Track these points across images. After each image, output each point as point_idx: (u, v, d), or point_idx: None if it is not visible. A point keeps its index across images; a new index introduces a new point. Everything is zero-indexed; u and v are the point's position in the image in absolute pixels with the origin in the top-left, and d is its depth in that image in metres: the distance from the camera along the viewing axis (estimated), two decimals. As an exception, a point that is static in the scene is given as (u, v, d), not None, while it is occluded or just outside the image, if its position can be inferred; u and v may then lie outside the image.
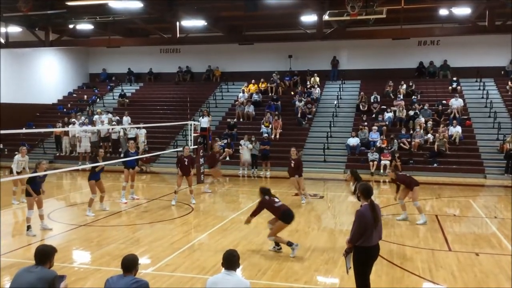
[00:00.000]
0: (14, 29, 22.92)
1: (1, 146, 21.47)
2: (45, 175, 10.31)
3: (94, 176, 11.97)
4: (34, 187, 9.94)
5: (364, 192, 5.79)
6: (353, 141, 20.78)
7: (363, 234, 5.61)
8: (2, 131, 9.49)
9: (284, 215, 8.57)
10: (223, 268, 4.72)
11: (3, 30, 22.53)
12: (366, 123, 21.73)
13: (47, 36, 22.83)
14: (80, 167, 17.49)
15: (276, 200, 8.85)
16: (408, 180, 11.14)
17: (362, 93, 24.43)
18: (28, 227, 9.90)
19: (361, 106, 23.49)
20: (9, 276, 7.11)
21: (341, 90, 25.92)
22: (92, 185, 11.90)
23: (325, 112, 24.19)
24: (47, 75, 28.11)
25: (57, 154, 23.00)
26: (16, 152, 13.41)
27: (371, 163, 19.49)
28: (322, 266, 7.99)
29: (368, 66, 26.47)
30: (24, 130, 21.07)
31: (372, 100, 23.74)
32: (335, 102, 24.64)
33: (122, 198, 13.62)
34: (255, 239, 9.66)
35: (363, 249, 5.69)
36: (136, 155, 14.35)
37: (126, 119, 23.58)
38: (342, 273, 7.49)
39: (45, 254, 4.82)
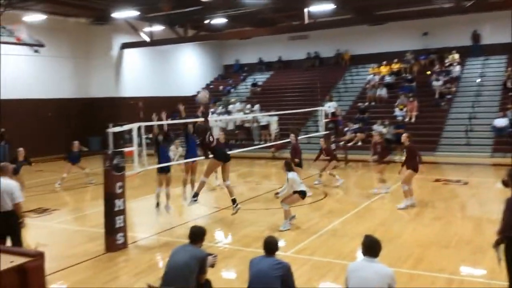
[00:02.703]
0: (157, 28, 25.01)
1: (151, 136, 23.61)
2: None
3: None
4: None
5: (515, 177, 5.27)
6: (501, 122, 18.87)
7: (514, 224, 5.13)
8: (150, 123, 10.49)
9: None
10: (363, 255, 4.65)
11: (147, 29, 24.72)
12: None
13: (185, 32, 24.49)
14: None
15: None
16: None
17: (509, 68, 22.04)
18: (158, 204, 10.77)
19: (509, 83, 21.22)
20: (162, 252, 7.88)
21: (485, 66, 23.68)
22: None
23: (467, 92, 22.34)
24: (187, 69, 30.25)
25: (198, 142, 24.68)
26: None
27: (522, 145, 17.58)
28: (469, 256, 7.49)
29: (516, 38, 23.74)
30: (170, 121, 22.93)
31: (522, 76, 21.32)
32: (478, 80, 22.61)
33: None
34: (393, 226, 9.40)
35: (514, 240, 5.20)
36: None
37: (256, 107, 24.39)
38: (493, 264, 6.94)
39: (198, 235, 5.29)
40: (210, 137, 9.26)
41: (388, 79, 24.37)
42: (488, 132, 19.13)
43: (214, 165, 9.60)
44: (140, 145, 9.54)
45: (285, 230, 9.13)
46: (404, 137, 11.18)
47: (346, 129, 20.62)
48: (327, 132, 17.02)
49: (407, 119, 20.89)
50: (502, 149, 18.18)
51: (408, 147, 11.03)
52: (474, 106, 20.83)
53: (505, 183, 5.39)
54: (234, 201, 9.55)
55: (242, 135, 23.42)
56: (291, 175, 9.26)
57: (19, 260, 5.19)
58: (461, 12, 18.98)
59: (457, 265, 7.15)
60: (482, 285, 6.33)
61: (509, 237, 5.25)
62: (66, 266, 7.36)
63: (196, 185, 10.41)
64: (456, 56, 24.25)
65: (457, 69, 23.60)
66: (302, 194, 9.31)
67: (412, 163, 10.86)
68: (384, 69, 25.18)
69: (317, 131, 17.80)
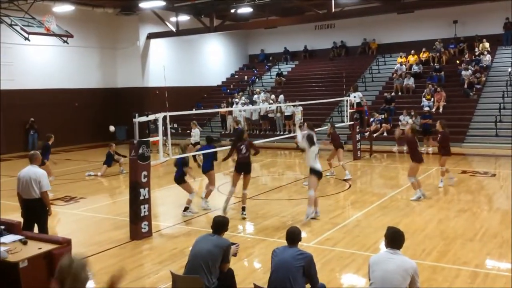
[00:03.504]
0: (183, 18, 25.12)
1: (176, 126, 23.86)
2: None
3: None
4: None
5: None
6: (532, 112, 18.37)
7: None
8: (175, 113, 10.58)
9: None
10: (386, 247, 4.62)
11: (174, 19, 24.84)
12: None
13: (211, 22, 24.52)
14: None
15: None
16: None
17: (543, 57, 21.38)
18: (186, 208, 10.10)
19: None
20: (185, 241, 7.99)
21: (516, 55, 23.01)
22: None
23: (497, 81, 21.75)
24: (212, 59, 30.33)
25: (223, 132, 24.81)
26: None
27: (555, 137, 17.07)
28: (495, 250, 7.36)
29: (551, 25, 22.96)
30: (194, 111, 23.15)
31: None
32: (509, 70, 21.96)
33: None
34: (417, 218, 9.28)
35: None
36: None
37: (280, 97, 24.32)
38: (520, 259, 6.82)
39: (221, 225, 5.36)
40: (243, 146, 9.68)
41: (415, 68, 23.93)
42: (520, 123, 18.62)
43: (235, 177, 9.91)
44: (165, 134, 9.65)
45: (308, 221, 9.10)
46: (438, 123, 11.95)
47: (371, 119, 20.38)
48: (352, 122, 16.87)
49: (433, 109, 20.49)
50: (534, 141, 17.70)
51: (442, 134, 11.73)
52: (504, 96, 20.28)
53: None
54: (244, 208, 9.81)
55: (267, 125, 23.41)
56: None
57: (46, 247, 5.37)
58: (492, 0, 18.42)
59: (483, 259, 7.03)
60: (507, 279, 6.21)
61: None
62: (92, 253, 7.54)
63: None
64: (487, 44, 23.61)
65: (487, 58, 22.99)
66: (316, 174, 9.12)
67: (445, 150, 11.62)
68: (412, 59, 24.71)
69: (342, 121, 17.65)
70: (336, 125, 16.51)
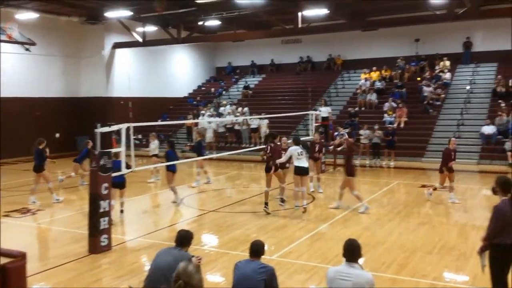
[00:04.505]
0: (150, 28, 24.94)
1: (140, 137, 23.55)
2: None
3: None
4: None
5: (504, 185, 5.30)
6: (489, 129, 19.07)
7: (501, 232, 5.17)
8: (139, 124, 10.45)
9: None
10: (344, 259, 4.66)
11: (140, 29, 24.66)
12: (504, 106, 19.80)
13: (179, 33, 24.46)
14: (208, 156, 18.54)
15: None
16: None
17: (499, 76, 22.29)
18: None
19: (498, 90, 21.44)
20: (147, 255, 7.85)
21: (475, 73, 23.91)
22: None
23: (456, 98, 22.53)
24: (179, 70, 30.21)
25: (189, 144, 24.60)
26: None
27: (509, 153, 17.72)
28: (452, 262, 7.55)
29: (506, 46, 23.91)
30: (159, 123, 22.94)
31: (511, 84, 21.53)
32: (468, 87, 22.81)
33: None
34: (379, 231, 9.43)
35: (500, 247, 5.25)
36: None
37: (245, 110, 24.41)
38: (476, 271, 7.01)
39: (185, 238, 5.25)
40: (269, 147, 11.29)
41: (378, 84, 24.51)
42: (476, 139, 19.31)
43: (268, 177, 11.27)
44: (128, 146, 9.49)
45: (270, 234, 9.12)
46: (452, 141, 12.08)
47: (336, 133, 20.68)
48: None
49: (395, 125, 20.99)
50: (489, 156, 18.38)
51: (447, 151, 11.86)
52: (463, 113, 21.00)
53: (494, 191, 5.43)
54: (266, 204, 10.90)
55: (233, 137, 23.41)
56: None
57: (0, 261, 5.14)
58: (453, 19, 19.14)
59: (440, 271, 7.20)
60: (464, 291, 6.37)
61: (495, 244, 5.29)
62: (49, 267, 7.30)
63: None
64: (447, 63, 24.48)
65: (447, 76, 23.80)
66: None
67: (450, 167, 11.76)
68: (375, 75, 25.32)
69: (307, 135, 17.85)
70: (301, 139, 16.69)
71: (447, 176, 11.84)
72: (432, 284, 6.70)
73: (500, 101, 20.64)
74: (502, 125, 19.10)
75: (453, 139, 12.29)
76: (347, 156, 11.42)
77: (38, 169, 12.18)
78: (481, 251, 5.46)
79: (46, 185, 12.39)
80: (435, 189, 12.27)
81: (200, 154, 14.65)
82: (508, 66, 23.19)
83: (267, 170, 11.11)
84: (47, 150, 12.63)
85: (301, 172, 10.73)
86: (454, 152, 11.88)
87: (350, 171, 10.99)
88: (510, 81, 21.65)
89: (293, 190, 11.12)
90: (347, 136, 12.18)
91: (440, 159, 12.08)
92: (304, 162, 10.75)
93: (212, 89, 30.35)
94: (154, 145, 15.66)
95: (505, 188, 5.30)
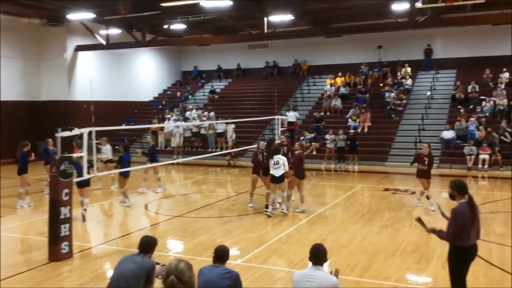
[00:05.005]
0: (114, 31, 24.53)
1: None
2: None
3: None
4: None
5: (459, 188, 5.45)
6: (448, 134, 19.67)
7: (459, 233, 5.32)
8: (102, 128, 10.22)
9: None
10: (310, 263, 4.71)
11: (104, 32, 24.23)
12: (463, 111, 20.50)
13: (143, 36, 24.17)
14: (175, 161, 18.43)
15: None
16: None
17: (458, 82, 23.06)
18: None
19: (457, 96, 22.17)
20: (110, 262, 7.69)
21: (435, 80, 24.65)
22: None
23: (417, 104, 23.15)
24: (144, 74, 29.81)
25: (142, 151, 24.17)
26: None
27: (468, 157, 18.34)
28: (414, 264, 7.72)
29: (465, 54, 24.84)
30: (124, 126, 22.58)
31: (469, 90, 22.32)
32: (428, 93, 23.48)
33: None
34: (343, 234, 9.55)
35: (459, 249, 5.40)
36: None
37: (211, 114, 24.34)
38: (437, 272, 7.20)
39: (148, 245, 5.15)
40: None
41: (343, 90, 24.91)
42: (436, 144, 19.85)
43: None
44: (90, 150, 9.26)
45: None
46: (425, 146, 11.88)
47: (301, 138, 20.88)
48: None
49: (359, 130, 21.37)
50: (449, 160, 18.95)
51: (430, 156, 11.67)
52: (423, 118, 21.59)
53: (451, 196, 5.55)
54: (267, 206, 11.24)
55: (199, 142, 23.27)
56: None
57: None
58: (414, 27, 19.66)
59: (402, 273, 7.34)
60: (425, 292, 6.52)
61: (454, 246, 5.44)
62: (6, 276, 7.04)
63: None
64: (409, 69, 25.12)
65: (409, 82, 24.43)
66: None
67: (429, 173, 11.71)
68: (339, 80, 25.71)
69: (273, 139, 17.89)
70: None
71: (421, 182, 11.73)
72: (395, 285, 6.83)
73: (459, 106, 21.35)
74: (461, 130, 19.75)
75: (425, 144, 12.22)
76: (300, 158, 11.72)
77: (21, 172, 11.99)
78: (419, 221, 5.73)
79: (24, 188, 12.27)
80: (422, 193, 11.94)
81: (153, 159, 14.18)
82: (466, 73, 24.03)
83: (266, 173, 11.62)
84: (33, 153, 12.50)
85: (278, 180, 11.08)
86: (426, 157, 11.56)
87: (303, 173, 11.72)
88: (469, 87, 22.44)
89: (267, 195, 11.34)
90: (298, 143, 12.59)
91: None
92: (280, 171, 10.99)
93: (178, 93, 30.10)
94: (105, 150, 15.04)
95: (461, 191, 5.44)
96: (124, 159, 12.03)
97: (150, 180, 14.60)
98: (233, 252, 8.16)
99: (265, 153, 11.85)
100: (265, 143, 12.51)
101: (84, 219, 10.57)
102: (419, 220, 5.77)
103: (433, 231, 5.60)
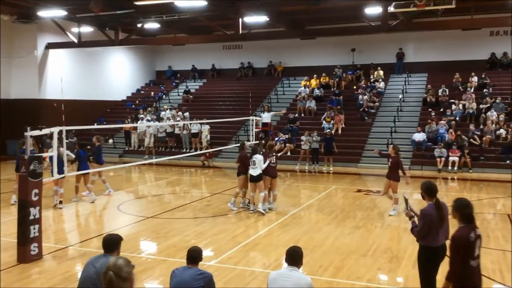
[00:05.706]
0: (86, 29, 24.12)
1: (75, 139, 22.66)
2: None
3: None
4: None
5: (428, 190, 5.57)
6: (419, 136, 20.07)
7: (428, 234, 5.43)
8: (72, 127, 10.05)
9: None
10: (286, 264, 4.74)
11: (76, 30, 23.79)
12: (433, 114, 20.95)
13: (116, 35, 23.84)
14: (147, 161, 18.25)
15: None
16: None
17: (429, 86, 23.55)
18: None
19: (428, 99, 22.64)
20: (80, 264, 7.55)
21: (407, 83, 25.11)
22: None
23: (389, 107, 23.54)
24: (117, 73, 29.40)
25: (126, 149, 24.01)
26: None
27: (438, 159, 18.76)
28: (385, 264, 7.83)
29: (436, 58, 25.45)
30: (95, 126, 22.21)
31: (440, 94, 22.83)
32: (400, 96, 23.91)
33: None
34: (316, 234, 9.62)
35: (428, 249, 5.51)
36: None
37: (186, 114, 24.20)
38: (407, 272, 7.33)
39: (112, 243, 4.95)
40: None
41: (317, 92, 25.11)
42: (408, 146, 20.23)
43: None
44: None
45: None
46: (390, 148, 11.84)
47: (276, 139, 20.95)
48: (257, 141, 17.18)
49: (333, 131, 21.56)
50: (420, 162, 19.34)
51: (394, 159, 11.25)
52: (395, 120, 21.96)
53: (423, 197, 5.68)
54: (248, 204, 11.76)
55: (173, 142, 23.09)
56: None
57: None
58: (386, 31, 20.00)
59: (374, 273, 7.45)
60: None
61: (423, 247, 5.55)
62: (-28, 279, 6.83)
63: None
64: (381, 72, 25.52)
65: (381, 85, 24.81)
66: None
67: (395, 175, 11.19)
68: (314, 82, 25.92)
69: (248, 140, 17.92)
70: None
71: (386, 182, 11.54)
72: (367, 285, 6.92)
73: (430, 109, 21.82)
74: (432, 133, 20.19)
75: (391, 145, 12.33)
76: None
77: (17, 168, 11.59)
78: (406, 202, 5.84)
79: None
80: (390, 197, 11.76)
81: (98, 161, 13.47)
82: (437, 77, 24.59)
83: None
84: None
85: (255, 179, 11.37)
86: (391, 158, 11.37)
87: (275, 173, 11.93)
88: (439, 91, 22.95)
89: (249, 196, 11.72)
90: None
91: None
92: (257, 171, 11.31)
93: (152, 93, 29.82)
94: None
95: (430, 193, 5.56)
96: (80, 155, 12.35)
97: (96, 183, 13.67)
98: (206, 253, 8.14)
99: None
100: (245, 144, 12.62)
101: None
102: (406, 201, 5.88)
103: (410, 217, 5.72)
